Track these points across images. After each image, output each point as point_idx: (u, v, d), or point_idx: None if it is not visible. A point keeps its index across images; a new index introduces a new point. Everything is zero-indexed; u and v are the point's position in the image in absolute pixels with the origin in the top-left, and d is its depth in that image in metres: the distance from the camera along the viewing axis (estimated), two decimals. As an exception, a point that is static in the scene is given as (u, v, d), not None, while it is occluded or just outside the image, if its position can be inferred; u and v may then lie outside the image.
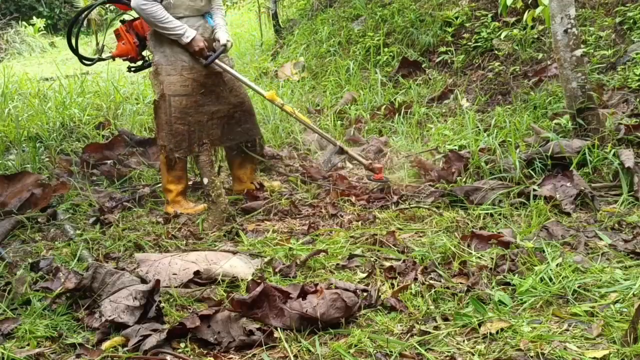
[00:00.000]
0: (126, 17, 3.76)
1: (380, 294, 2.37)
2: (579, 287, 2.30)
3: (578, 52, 3.72)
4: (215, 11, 3.73)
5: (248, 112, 3.84)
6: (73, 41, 3.75)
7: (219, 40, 3.62)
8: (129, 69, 3.83)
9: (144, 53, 3.77)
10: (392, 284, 2.50)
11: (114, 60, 3.91)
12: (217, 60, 3.58)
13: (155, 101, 3.58)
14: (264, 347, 2.07)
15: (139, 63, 3.78)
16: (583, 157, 3.50)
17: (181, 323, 2.14)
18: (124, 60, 3.76)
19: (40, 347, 2.14)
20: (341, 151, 3.84)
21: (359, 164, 3.98)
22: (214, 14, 3.72)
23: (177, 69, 3.53)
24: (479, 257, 2.65)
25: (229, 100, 3.72)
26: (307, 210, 3.59)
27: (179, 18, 3.49)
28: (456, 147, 4.27)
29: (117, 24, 3.76)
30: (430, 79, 5.99)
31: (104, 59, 3.91)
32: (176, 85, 3.53)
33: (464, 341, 2.04)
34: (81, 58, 3.85)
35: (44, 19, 16.90)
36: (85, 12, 3.88)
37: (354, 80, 6.31)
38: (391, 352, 1.97)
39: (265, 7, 10.08)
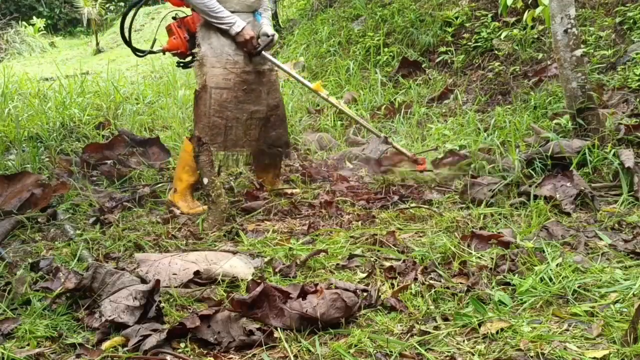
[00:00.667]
0: (179, 13, 3.80)
1: (380, 294, 2.37)
2: (579, 287, 2.30)
3: (578, 52, 3.72)
4: (262, 11, 3.79)
5: (282, 117, 3.86)
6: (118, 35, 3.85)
7: (266, 34, 3.66)
8: (178, 64, 3.88)
9: (195, 50, 3.77)
10: (392, 284, 2.50)
11: (164, 54, 3.98)
12: (265, 53, 3.63)
13: (197, 92, 3.61)
14: (264, 347, 2.07)
15: (188, 59, 3.81)
16: (583, 157, 3.50)
17: (181, 323, 2.14)
18: (173, 54, 3.82)
19: (40, 347, 2.14)
20: (386, 141, 3.95)
21: (402, 155, 4.08)
22: (262, 13, 3.78)
23: (222, 61, 3.57)
24: (479, 257, 2.65)
25: (267, 102, 3.74)
26: (307, 211, 3.59)
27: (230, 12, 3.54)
28: (456, 147, 4.28)
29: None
30: (430, 79, 5.99)
31: (154, 52, 3.97)
32: (218, 78, 3.56)
33: (464, 341, 2.03)
34: (134, 50, 3.91)
35: (44, 19, 16.92)
36: (138, 5, 3.91)
37: (354, 80, 6.31)
38: (391, 352, 1.97)
39: (265, 7, 10.07)
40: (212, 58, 3.57)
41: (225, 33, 3.56)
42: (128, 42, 3.84)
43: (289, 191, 3.89)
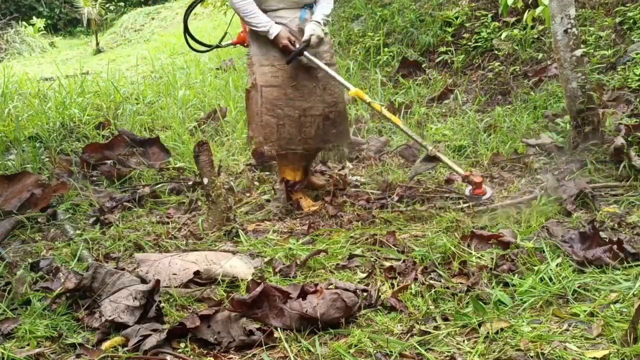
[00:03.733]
0: None
1: (380, 294, 2.37)
2: (579, 287, 2.30)
3: (578, 52, 3.72)
4: (319, 2, 3.59)
5: (342, 114, 3.75)
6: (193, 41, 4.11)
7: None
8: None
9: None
10: (392, 284, 2.50)
11: (234, 46, 4.14)
12: (310, 56, 3.45)
13: (247, 91, 3.59)
14: (264, 347, 2.07)
15: None
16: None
17: (181, 323, 2.14)
18: (245, 46, 3.91)
19: (40, 347, 2.14)
20: (433, 159, 3.41)
21: (453, 172, 3.56)
22: (316, 6, 3.58)
23: (270, 59, 3.51)
24: (479, 257, 2.65)
25: (322, 99, 3.59)
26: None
27: (273, 10, 3.46)
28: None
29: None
30: (430, 79, 5.99)
31: (222, 46, 4.15)
32: (267, 76, 3.51)
33: (464, 341, 2.04)
34: (194, 45, 4.08)
35: (44, 19, 16.92)
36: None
37: (354, 80, 6.30)
38: (391, 352, 1.97)
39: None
40: (260, 57, 3.53)
41: None
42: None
43: (320, 182, 3.91)
